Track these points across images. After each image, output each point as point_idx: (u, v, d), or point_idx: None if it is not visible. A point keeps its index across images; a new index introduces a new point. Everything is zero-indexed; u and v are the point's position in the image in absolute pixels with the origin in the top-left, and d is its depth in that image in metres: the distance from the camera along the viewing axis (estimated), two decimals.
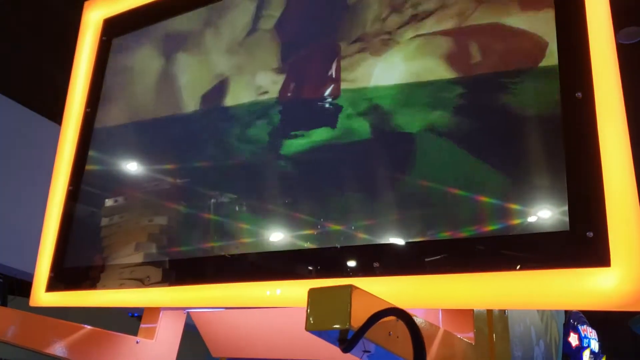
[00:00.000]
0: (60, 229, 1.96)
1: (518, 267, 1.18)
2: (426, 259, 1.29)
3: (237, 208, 1.62)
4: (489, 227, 1.24)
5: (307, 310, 0.99)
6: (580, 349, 5.04)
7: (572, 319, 4.91)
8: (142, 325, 1.86)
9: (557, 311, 2.73)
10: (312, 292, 1.00)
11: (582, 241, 1.13)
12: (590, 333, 5.10)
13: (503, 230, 1.22)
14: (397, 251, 1.34)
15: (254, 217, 1.57)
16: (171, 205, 1.74)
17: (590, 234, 1.13)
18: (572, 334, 5.07)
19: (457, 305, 1.30)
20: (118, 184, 1.92)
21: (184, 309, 1.85)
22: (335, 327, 0.96)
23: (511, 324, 1.68)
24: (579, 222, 1.14)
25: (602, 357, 5.15)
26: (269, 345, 1.81)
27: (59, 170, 2.08)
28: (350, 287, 0.98)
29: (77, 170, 2.01)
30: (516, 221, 1.21)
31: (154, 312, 1.86)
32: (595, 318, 5.05)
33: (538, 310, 2.34)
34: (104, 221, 1.88)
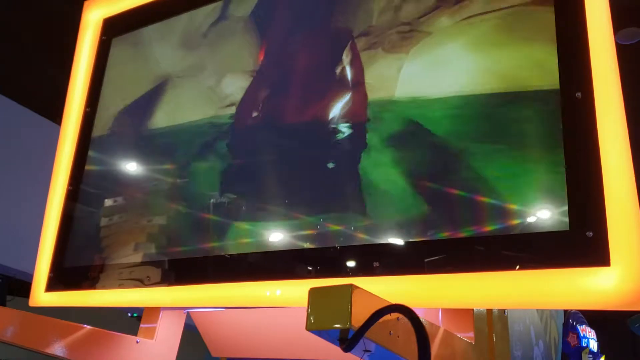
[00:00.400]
0: (60, 228, 1.96)
1: (518, 266, 1.18)
2: (426, 259, 1.29)
3: (236, 208, 1.61)
4: (489, 227, 1.24)
5: (307, 310, 0.99)
6: (579, 349, 5.04)
7: (571, 319, 4.92)
8: (142, 325, 1.86)
9: (557, 311, 2.73)
10: (313, 292, 1.00)
11: (582, 241, 1.14)
12: (589, 333, 5.10)
13: (503, 230, 1.22)
14: (397, 251, 1.34)
15: (254, 217, 1.57)
16: (170, 205, 1.74)
17: (590, 234, 1.13)
18: (571, 334, 5.07)
19: (457, 305, 1.31)
20: (117, 183, 1.92)
21: (183, 308, 1.84)
22: (336, 327, 0.96)
23: (511, 324, 1.69)
24: (578, 222, 1.15)
25: (601, 357, 5.16)
26: (268, 344, 1.81)
27: (59, 170, 2.07)
28: (351, 287, 0.98)
29: (76, 170, 2.01)
30: (516, 221, 1.21)
31: (154, 312, 1.86)
32: (594, 318, 5.05)
33: (537, 310, 2.34)
34: (104, 221, 1.88)
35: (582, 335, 5.14)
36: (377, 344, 1.01)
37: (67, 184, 2.01)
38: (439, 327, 1.25)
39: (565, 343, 4.86)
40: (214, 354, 1.96)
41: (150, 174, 1.86)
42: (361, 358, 1.06)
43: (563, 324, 4.17)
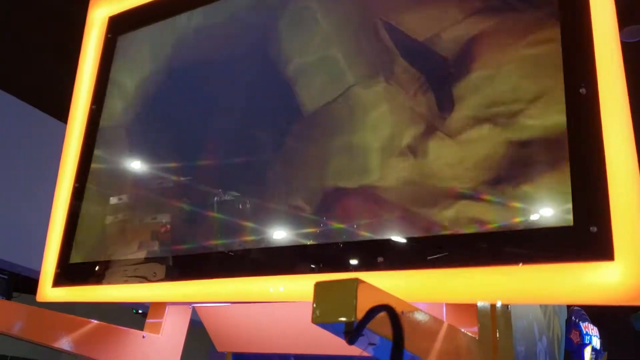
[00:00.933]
0: (67, 225, 1.97)
1: (521, 262, 1.18)
2: (430, 254, 1.30)
3: (240, 205, 1.62)
4: (493, 223, 1.25)
5: (313, 304, 1.00)
6: (582, 345, 5.05)
7: (573, 316, 4.92)
8: (148, 320, 1.88)
9: (560, 307, 2.73)
10: (319, 286, 1.01)
11: (586, 236, 1.14)
12: (592, 330, 5.10)
13: (507, 225, 1.23)
14: (402, 246, 1.35)
15: (258, 213, 1.58)
16: (175, 202, 1.75)
17: (594, 229, 1.14)
18: (573, 331, 5.08)
19: (461, 299, 1.31)
20: (123, 181, 1.93)
21: (189, 303, 1.86)
22: (342, 320, 0.98)
23: (514, 320, 1.69)
24: (582, 217, 1.15)
25: (604, 354, 5.16)
26: (274, 339, 1.82)
27: (65, 168, 2.09)
28: (357, 281, 0.99)
29: (82, 168, 2.02)
30: (520, 217, 1.22)
31: (160, 307, 1.88)
32: (598, 315, 5.05)
33: (541, 306, 2.34)
34: (110, 218, 1.89)
35: (584, 332, 5.14)
36: (382, 336, 1.02)
37: (73, 181, 2.02)
38: (443, 321, 1.26)
39: (568, 340, 4.86)
40: (219, 349, 1.97)
41: (157, 171, 1.87)
42: (365, 350, 1.07)
43: (566, 321, 4.18)
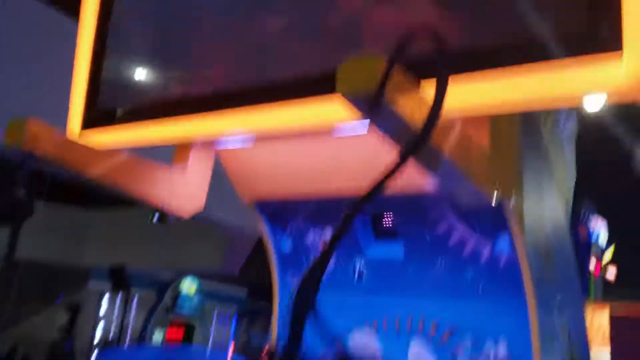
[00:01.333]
0: (92, 66, 1.97)
1: (532, 60, 1.22)
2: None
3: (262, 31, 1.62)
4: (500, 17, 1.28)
5: (338, 76, 1.06)
6: (588, 242, 5.21)
7: (582, 209, 5.06)
8: (174, 164, 1.95)
9: (569, 169, 2.73)
10: (344, 62, 1.07)
11: (596, 28, 1.18)
12: (599, 226, 5.25)
13: (514, 21, 1.26)
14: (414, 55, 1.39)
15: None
16: (199, 36, 1.77)
17: (603, 22, 1.17)
18: (582, 227, 5.22)
19: (472, 110, 1.35)
20: (146, 22, 1.94)
21: (214, 141, 1.89)
22: (365, 88, 1.04)
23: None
24: (592, 11, 1.18)
25: (609, 247, 5.31)
26: (295, 182, 1.86)
27: (87, 17, 2.06)
28: (381, 57, 1.05)
29: (104, 15, 2.01)
30: (529, 13, 1.24)
31: (185, 150, 1.95)
32: (606, 206, 5.15)
33: (548, 161, 2.39)
34: (135, 58, 1.92)
35: (591, 230, 5.29)
36: (396, 108, 1.08)
37: (95, 26, 2.01)
38: (456, 126, 1.31)
39: (575, 234, 5.01)
40: (242, 197, 2.04)
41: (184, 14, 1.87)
42: (380, 129, 1.12)
43: (573, 212, 4.27)
